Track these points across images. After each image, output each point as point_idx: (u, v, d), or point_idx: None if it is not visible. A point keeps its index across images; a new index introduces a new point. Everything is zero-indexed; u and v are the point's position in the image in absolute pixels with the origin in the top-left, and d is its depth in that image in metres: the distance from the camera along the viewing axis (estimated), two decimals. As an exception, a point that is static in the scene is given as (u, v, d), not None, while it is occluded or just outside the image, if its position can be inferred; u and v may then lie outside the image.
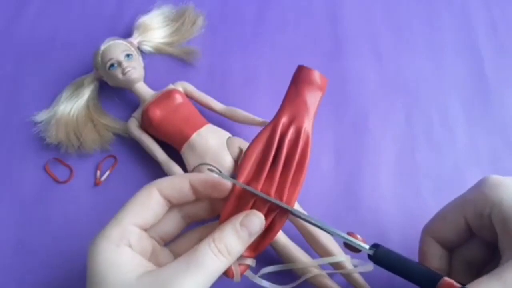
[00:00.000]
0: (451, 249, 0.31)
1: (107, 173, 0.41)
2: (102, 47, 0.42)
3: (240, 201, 0.29)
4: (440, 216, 0.31)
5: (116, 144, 0.43)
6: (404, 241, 0.38)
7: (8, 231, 0.39)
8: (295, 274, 0.35)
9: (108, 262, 0.25)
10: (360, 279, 0.34)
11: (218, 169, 0.38)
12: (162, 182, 0.28)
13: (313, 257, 0.35)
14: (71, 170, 0.41)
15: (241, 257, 0.28)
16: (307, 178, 0.40)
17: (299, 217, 0.29)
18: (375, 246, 0.29)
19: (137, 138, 0.41)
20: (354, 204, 0.40)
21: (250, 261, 0.29)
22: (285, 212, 0.28)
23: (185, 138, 0.39)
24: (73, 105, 0.43)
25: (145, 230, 0.28)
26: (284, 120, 0.30)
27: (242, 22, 0.50)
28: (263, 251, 0.29)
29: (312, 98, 0.31)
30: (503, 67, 0.47)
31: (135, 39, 0.45)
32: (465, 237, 0.30)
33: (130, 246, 0.27)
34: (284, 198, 0.29)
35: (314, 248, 0.36)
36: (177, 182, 0.28)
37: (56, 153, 0.42)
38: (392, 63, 0.47)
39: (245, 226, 0.27)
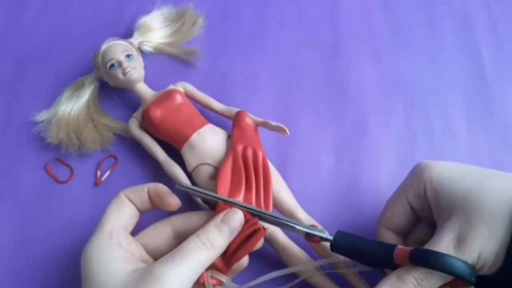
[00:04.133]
0: (404, 234, 0.34)
1: (108, 173, 0.41)
2: (103, 48, 0.42)
3: None
4: (388, 206, 0.34)
5: (117, 144, 0.43)
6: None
7: (9, 231, 0.39)
8: (295, 274, 0.35)
9: (100, 261, 0.27)
10: (359, 278, 0.34)
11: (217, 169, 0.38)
12: (127, 189, 0.32)
13: (312, 256, 0.36)
14: (71, 170, 0.41)
15: (216, 271, 0.31)
16: (307, 178, 0.41)
17: (267, 218, 0.31)
18: (337, 234, 0.31)
19: (138, 138, 0.41)
20: (354, 204, 0.40)
21: (225, 279, 0.31)
22: (261, 232, 0.30)
23: (185, 138, 0.39)
24: (74, 105, 0.43)
25: (129, 232, 0.31)
26: (240, 148, 0.37)
27: (242, 22, 0.50)
28: (236, 263, 0.31)
29: (252, 129, 0.39)
30: (503, 67, 0.47)
31: (136, 39, 0.45)
32: (413, 221, 0.33)
33: (121, 246, 0.29)
34: (262, 202, 0.34)
35: (315, 249, 0.36)
36: (138, 189, 0.31)
37: (56, 153, 0.42)
38: (392, 63, 0.47)
39: (226, 222, 0.29)
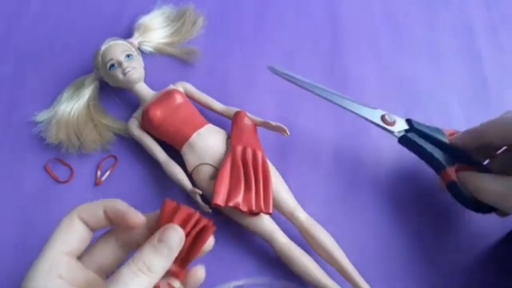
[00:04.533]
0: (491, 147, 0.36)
1: (108, 173, 0.41)
2: (103, 48, 0.42)
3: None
4: (498, 119, 0.35)
5: (117, 144, 0.43)
6: (405, 240, 0.38)
7: (9, 231, 0.39)
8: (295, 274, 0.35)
9: None
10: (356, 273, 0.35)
11: (217, 169, 0.38)
12: (81, 207, 0.28)
13: (311, 255, 0.36)
14: (71, 170, 0.41)
15: (171, 276, 0.27)
16: (307, 178, 0.41)
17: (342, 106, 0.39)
18: (408, 122, 0.38)
19: (138, 138, 0.41)
20: (354, 204, 0.40)
21: (178, 286, 0.28)
22: (210, 227, 0.28)
23: (185, 138, 0.39)
24: (74, 105, 0.43)
25: (77, 258, 0.28)
26: (239, 148, 0.37)
27: (242, 22, 0.50)
28: (192, 262, 0.28)
29: (251, 129, 0.40)
30: (502, 67, 0.47)
31: (136, 39, 0.45)
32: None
33: (61, 277, 0.26)
34: (261, 202, 0.35)
35: (315, 249, 0.36)
36: (93, 208, 0.28)
37: (56, 153, 0.42)
38: (392, 63, 0.47)
39: (163, 242, 0.26)
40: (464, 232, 0.38)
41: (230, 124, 0.41)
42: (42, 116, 0.43)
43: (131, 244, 0.29)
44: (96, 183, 0.41)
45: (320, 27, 0.49)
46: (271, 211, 0.36)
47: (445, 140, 0.37)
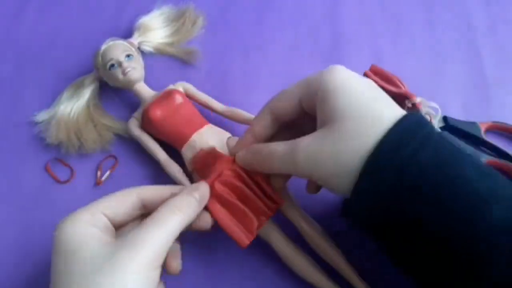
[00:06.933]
0: (283, 122, 0.33)
1: (108, 173, 0.41)
2: (103, 47, 0.42)
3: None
4: (281, 93, 0.33)
5: (117, 144, 0.43)
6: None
7: (8, 232, 0.39)
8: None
9: (76, 240, 0.26)
10: (357, 276, 0.35)
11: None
12: (146, 189, 0.30)
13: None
14: (71, 170, 0.41)
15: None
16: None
17: None
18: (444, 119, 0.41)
19: (138, 138, 0.41)
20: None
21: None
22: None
23: (185, 138, 0.39)
24: (74, 105, 0.43)
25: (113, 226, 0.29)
26: (218, 184, 0.33)
27: (242, 22, 0.50)
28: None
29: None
30: (503, 67, 0.47)
31: (136, 39, 0.45)
32: (296, 114, 0.32)
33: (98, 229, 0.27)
34: (269, 204, 0.34)
35: (315, 248, 0.36)
36: (159, 193, 0.30)
37: (56, 153, 0.42)
38: (392, 63, 0.47)
39: (196, 191, 0.30)
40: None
41: (230, 124, 0.42)
42: (42, 116, 0.43)
43: (150, 208, 0.30)
44: (96, 183, 0.41)
45: (320, 27, 0.49)
46: (282, 201, 0.34)
47: (479, 134, 0.39)
